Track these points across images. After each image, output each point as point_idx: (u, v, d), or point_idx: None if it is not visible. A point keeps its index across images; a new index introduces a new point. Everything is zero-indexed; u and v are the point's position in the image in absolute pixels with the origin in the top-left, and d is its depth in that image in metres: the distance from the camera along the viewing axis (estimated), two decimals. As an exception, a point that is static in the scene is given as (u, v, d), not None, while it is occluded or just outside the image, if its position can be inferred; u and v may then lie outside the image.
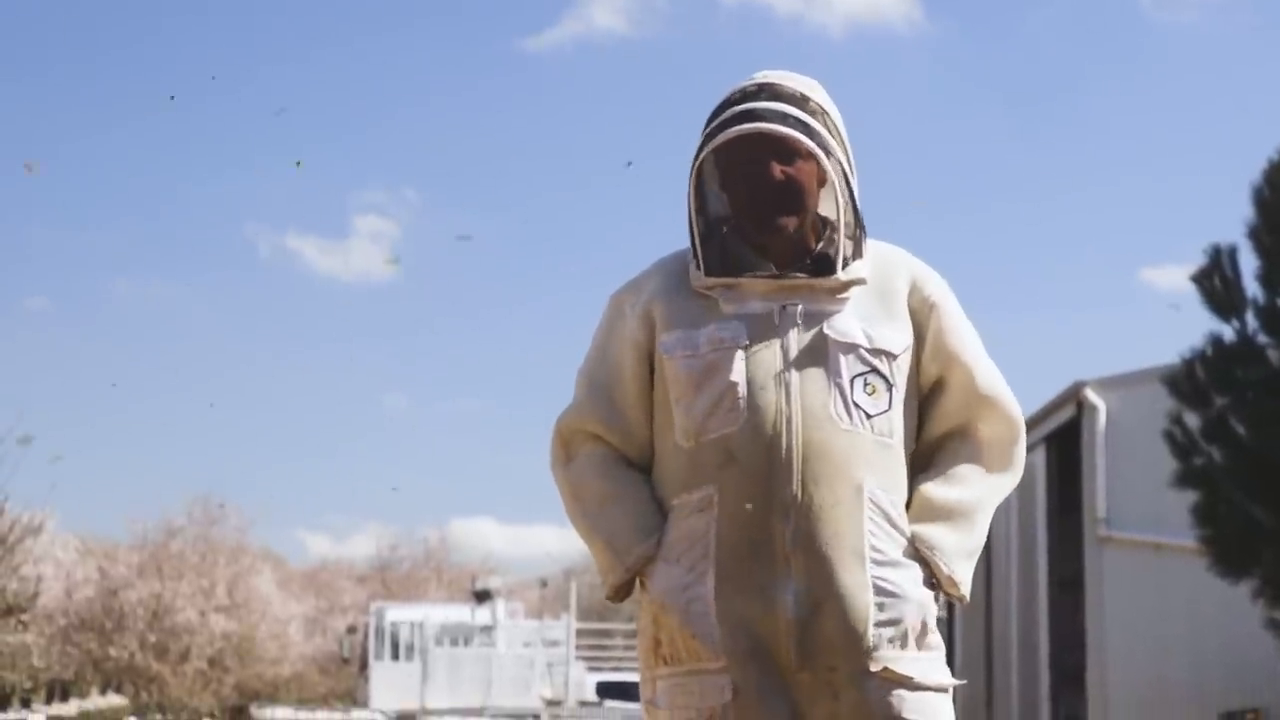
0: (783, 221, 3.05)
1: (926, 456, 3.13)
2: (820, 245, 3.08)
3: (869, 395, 3.01)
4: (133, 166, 59.77)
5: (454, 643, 27.31)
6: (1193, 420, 14.62)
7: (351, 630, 33.62)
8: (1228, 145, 54.45)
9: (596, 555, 3.13)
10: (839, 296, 3.06)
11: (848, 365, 3.01)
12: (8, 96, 54.38)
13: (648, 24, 64.32)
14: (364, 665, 29.74)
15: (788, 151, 3.03)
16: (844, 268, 3.05)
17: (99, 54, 60.77)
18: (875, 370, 3.03)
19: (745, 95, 3.06)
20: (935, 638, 3.03)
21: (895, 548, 2.99)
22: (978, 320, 3.20)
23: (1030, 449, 4.00)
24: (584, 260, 62.79)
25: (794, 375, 2.99)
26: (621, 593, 3.10)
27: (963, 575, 3.06)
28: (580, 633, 27.45)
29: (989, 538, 3.36)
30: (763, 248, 3.07)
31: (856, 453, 2.98)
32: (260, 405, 63.66)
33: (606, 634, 29.98)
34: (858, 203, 3.07)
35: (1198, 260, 14.86)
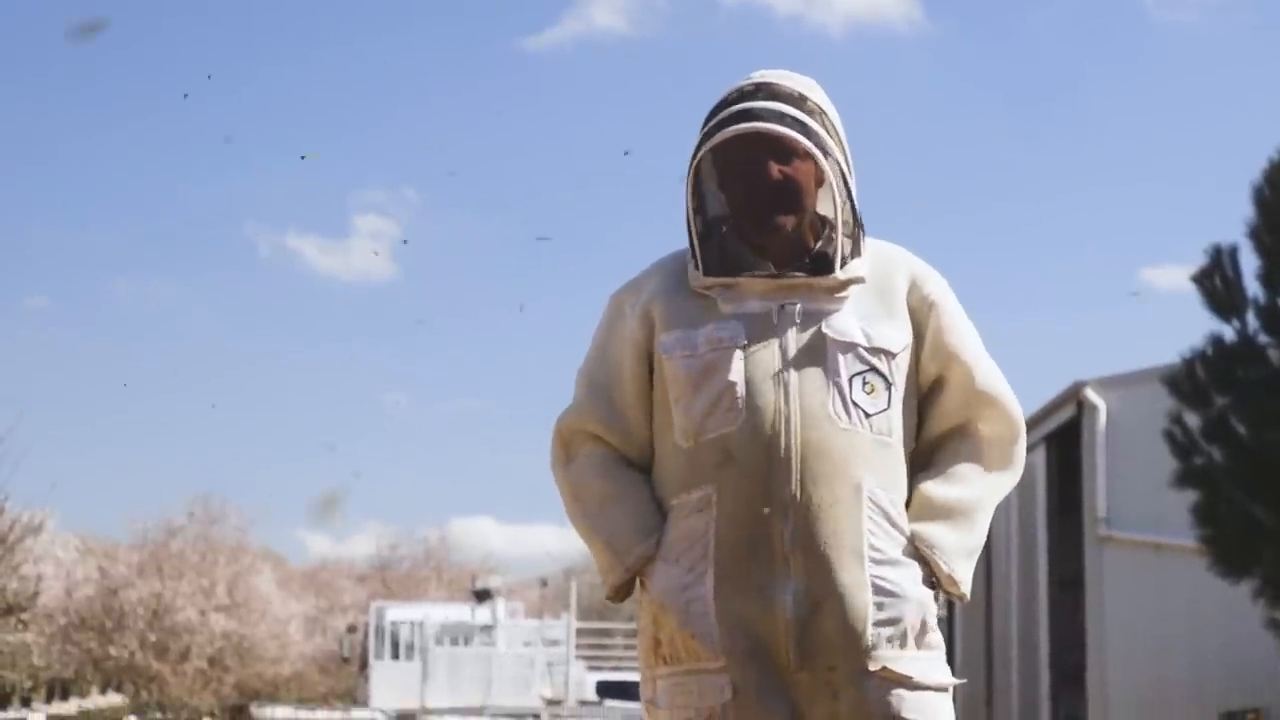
0: (781, 221, 3.05)
1: (926, 455, 3.12)
2: (819, 244, 3.08)
3: (868, 394, 3.01)
4: (133, 166, 59.81)
5: (454, 642, 27.30)
6: (1193, 420, 14.63)
7: (351, 630, 33.61)
8: (1228, 145, 54.48)
9: (596, 555, 3.13)
10: (837, 295, 3.05)
11: (846, 364, 3.01)
12: (8, 96, 54.40)
13: (648, 24, 64.36)
14: (364, 665, 29.73)
15: (785, 151, 3.03)
16: (842, 266, 3.05)
17: (99, 53, 60.81)
18: (874, 369, 3.03)
19: (742, 95, 3.06)
20: (935, 637, 3.03)
21: (894, 546, 2.99)
22: (978, 320, 3.20)
23: (1030, 449, 3.99)
24: (584, 260, 62.79)
25: (792, 375, 2.99)
26: (621, 593, 3.10)
27: (963, 574, 3.06)
28: (580, 632, 27.45)
29: (989, 537, 3.36)
30: (761, 247, 3.07)
31: (855, 452, 2.97)
32: (260, 405, 63.69)
33: (607, 633, 29.98)
34: (855, 202, 3.07)
35: (1198, 260, 14.89)
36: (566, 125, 64.21)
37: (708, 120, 3.07)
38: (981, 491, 3.10)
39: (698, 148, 3.06)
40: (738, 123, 3.01)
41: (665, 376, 3.08)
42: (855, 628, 2.93)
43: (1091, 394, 19.20)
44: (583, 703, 25.49)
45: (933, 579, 3.03)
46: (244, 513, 41.85)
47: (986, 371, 3.14)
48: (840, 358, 3.01)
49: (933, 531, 3.03)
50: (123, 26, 59.90)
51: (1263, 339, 14.56)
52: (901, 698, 2.94)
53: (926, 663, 2.99)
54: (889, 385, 3.04)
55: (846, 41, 61.39)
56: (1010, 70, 61.76)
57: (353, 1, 61.48)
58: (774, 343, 3.02)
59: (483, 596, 28.04)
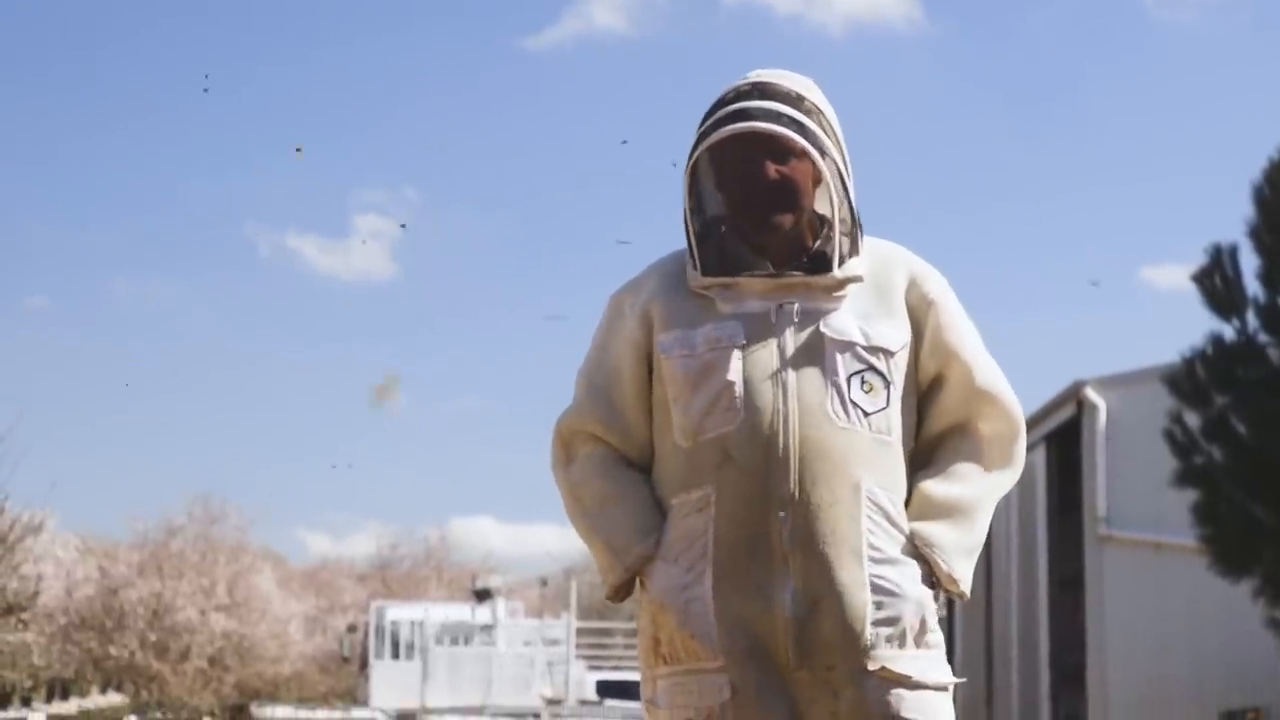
0: (778, 220, 3.05)
1: (926, 454, 3.12)
2: (817, 243, 3.08)
3: (866, 393, 3.01)
4: (133, 165, 59.84)
5: (454, 641, 27.28)
6: (1193, 419, 14.63)
7: (352, 629, 33.61)
8: (1228, 144, 54.49)
9: (596, 555, 3.13)
10: (836, 294, 3.05)
11: (844, 363, 3.01)
12: (8, 96, 54.40)
13: (648, 23, 64.38)
14: (364, 664, 29.73)
15: (782, 150, 3.03)
16: (840, 265, 3.05)
17: (99, 53, 60.79)
18: (872, 368, 3.02)
19: (739, 95, 3.06)
20: (935, 636, 3.03)
21: (894, 545, 2.99)
22: (978, 319, 3.19)
23: (1030, 448, 3.99)
24: (584, 259, 62.81)
25: (791, 374, 2.99)
26: (621, 593, 3.10)
27: (962, 572, 3.05)
28: (580, 631, 27.44)
29: (989, 536, 3.35)
30: (760, 247, 3.07)
31: (854, 451, 2.97)
32: (260, 404, 63.73)
33: (607, 633, 29.98)
34: (853, 200, 3.07)
35: (1198, 259, 14.90)
36: (566, 124, 64.26)
37: (704, 120, 3.07)
38: (981, 490, 3.09)
39: (694, 148, 3.06)
40: (734, 122, 3.01)
41: (664, 376, 3.08)
42: (854, 627, 2.93)
43: (1091, 393, 19.21)
44: (583, 702, 25.48)
45: (932, 578, 3.03)
46: (244, 512, 41.90)
47: (986, 369, 3.14)
48: (838, 357, 3.01)
49: (932, 530, 3.03)
50: (123, 26, 59.93)
51: (1263, 338, 14.57)
52: (901, 697, 2.94)
53: (926, 662, 2.99)
54: (888, 384, 3.04)
55: (846, 41, 61.45)
56: (1010, 70, 61.81)
57: (353, 1, 61.50)
58: (772, 342, 3.02)
59: (483, 596, 28.04)
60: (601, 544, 3.09)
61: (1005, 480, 3.15)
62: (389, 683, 27.69)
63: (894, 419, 3.04)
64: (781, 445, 2.95)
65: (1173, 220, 56.90)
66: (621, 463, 3.13)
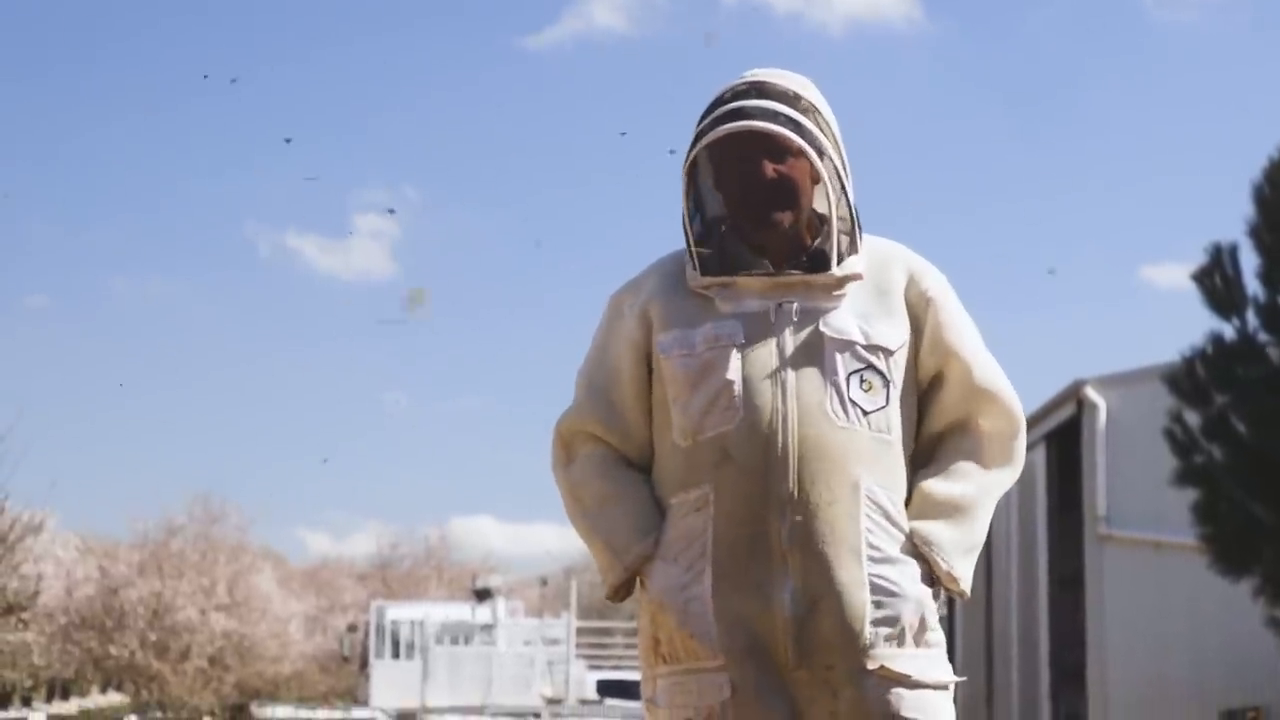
0: (777, 218, 3.05)
1: (927, 452, 3.12)
2: (816, 242, 3.08)
3: (865, 392, 3.01)
4: (132, 164, 59.84)
5: (454, 641, 27.28)
6: (1193, 418, 14.63)
7: (352, 628, 33.60)
8: (1228, 143, 54.50)
9: (596, 555, 3.13)
10: (835, 293, 3.05)
11: (844, 362, 3.01)
12: (8, 95, 54.39)
13: (648, 22, 64.39)
14: (364, 663, 29.72)
15: (779, 149, 3.03)
16: (839, 264, 3.05)
17: (98, 52, 60.79)
18: (872, 367, 3.02)
19: (736, 94, 3.06)
20: (935, 635, 3.02)
21: (893, 544, 2.99)
22: (978, 318, 3.19)
23: (1030, 447, 3.99)
24: (584, 258, 62.83)
25: (790, 373, 2.99)
26: (621, 592, 3.10)
27: (962, 571, 3.05)
28: (581, 631, 27.44)
29: (990, 535, 3.35)
30: (759, 246, 3.07)
31: (853, 450, 2.97)
32: (260, 403, 63.76)
33: (607, 632, 29.98)
34: (852, 199, 3.07)
35: (1198, 258, 14.90)
36: (566, 124, 64.26)
37: (702, 119, 3.07)
38: (981, 488, 3.09)
39: (691, 147, 3.06)
40: (731, 121, 3.01)
41: (663, 376, 3.08)
42: (853, 626, 2.92)
43: (1091, 392, 19.21)
44: (583, 701, 25.49)
45: (932, 577, 3.02)
46: (244, 512, 41.92)
47: (985, 367, 3.13)
48: (837, 356, 3.01)
49: (932, 529, 3.03)
50: (122, 25, 59.92)
51: (1263, 337, 14.57)
52: (900, 696, 2.94)
53: (925, 661, 2.99)
54: (887, 383, 3.03)
55: (846, 40, 61.47)
56: (1010, 69, 61.83)
57: (353, 1, 61.49)
58: (771, 341, 3.01)
59: (483, 595, 28.03)
60: (601, 544, 3.09)
61: (1005, 478, 3.14)
62: (389, 682, 27.69)
63: (893, 418, 3.04)
64: (780, 444, 2.95)
65: (1173, 219, 56.97)
66: (621, 463, 3.13)
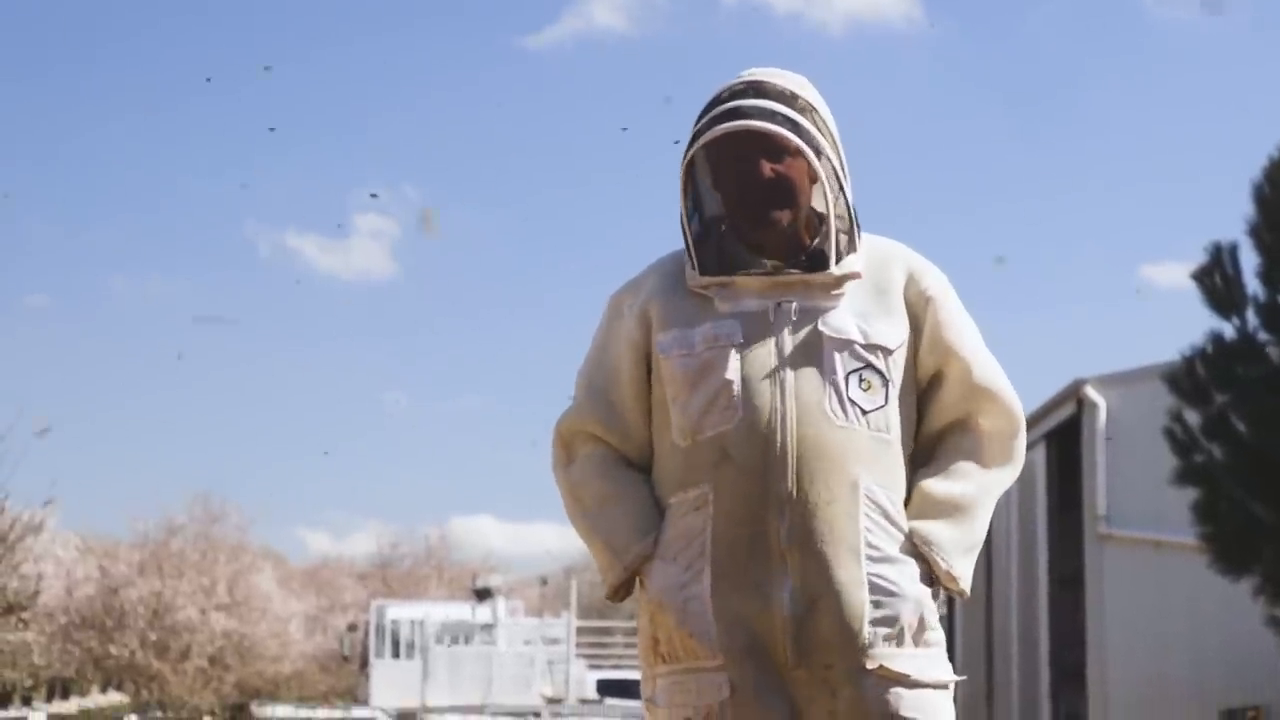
0: (775, 217, 3.05)
1: (926, 451, 3.12)
2: (815, 241, 3.08)
3: (864, 391, 3.01)
4: (132, 163, 59.84)
5: (454, 641, 27.28)
6: (1193, 418, 14.63)
7: (352, 628, 33.59)
8: (1228, 143, 54.49)
9: (595, 555, 3.13)
10: (834, 292, 3.05)
11: (842, 361, 3.01)
12: (8, 95, 54.41)
13: (648, 22, 64.40)
14: (364, 663, 29.72)
15: (776, 149, 3.03)
16: (838, 262, 3.04)
17: (98, 52, 60.80)
18: (870, 366, 3.02)
19: (733, 93, 3.06)
20: (934, 634, 3.02)
21: (892, 544, 2.99)
22: (978, 318, 3.19)
23: (1030, 446, 3.99)
24: (584, 257, 62.85)
25: (788, 372, 2.99)
26: (620, 592, 3.10)
27: (962, 570, 3.05)
28: (581, 630, 27.44)
29: (990, 534, 3.35)
30: (758, 245, 3.07)
31: (852, 449, 2.97)
32: (260, 403, 63.76)
33: (607, 632, 29.98)
34: (850, 198, 3.07)
35: (1198, 258, 14.89)
36: (566, 123, 64.27)
37: (699, 119, 3.07)
38: (981, 487, 3.09)
39: (688, 147, 3.06)
40: (728, 121, 3.01)
41: (663, 376, 3.08)
42: (851, 626, 2.92)
43: (1091, 392, 19.21)
44: (583, 701, 25.49)
45: (931, 576, 3.02)
46: (244, 511, 41.92)
47: (985, 366, 3.13)
48: (836, 355, 3.01)
49: (931, 528, 3.03)
50: (122, 25, 59.93)
51: (1263, 336, 14.56)
52: (900, 695, 2.94)
53: (925, 660, 2.99)
54: (886, 382, 3.03)
55: (846, 40, 61.49)
56: (1010, 68, 61.84)
57: (353, 1, 61.49)
58: (770, 341, 3.01)
59: (483, 595, 28.02)
60: (601, 544, 3.09)
61: (1005, 477, 3.14)
62: (389, 682, 27.68)
63: (892, 417, 3.04)
64: (779, 443, 2.95)
65: (1173, 218, 56.94)
66: (621, 463, 3.13)
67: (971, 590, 3.10)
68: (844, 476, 2.96)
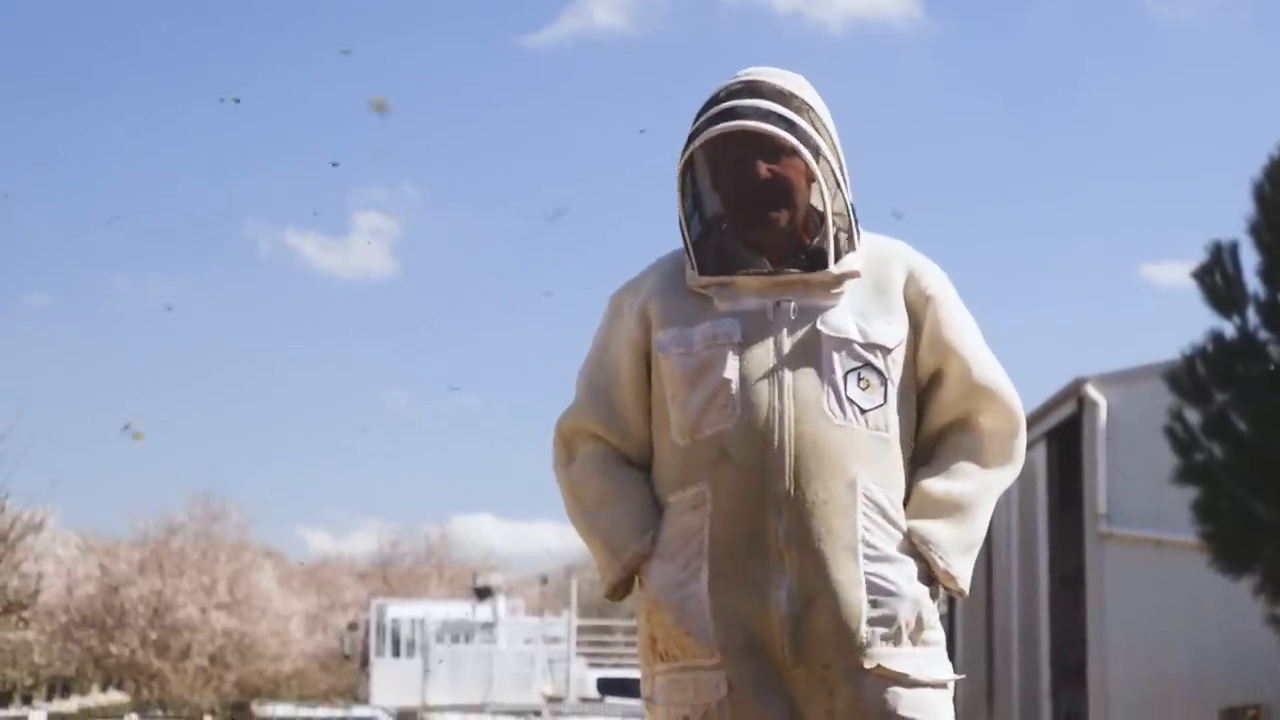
0: (773, 218, 3.05)
1: (927, 450, 3.11)
2: (814, 241, 3.07)
3: (863, 390, 3.01)
4: (133, 163, 59.83)
5: (455, 639, 27.29)
6: (1194, 416, 14.62)
7: (353, 627, 33.60)
8: (1228, 141, 54.49)
9: (595, 554, 3.13)
10: (833, 291, 3.05)
11: (841, 360, 3.01)
12: (8, 94, 54.41)
13: (648, 21, 64.39)
14: (365, 662, 29.72)
15: (773, 149, 3.02)
16: (837, 261, 3.04)
17: (99, 51, 60.80)
18: (869, 365, 3.02)
19: (730, 93, 3.06)
20: (933, 633, 3.02)
21: (890, 543, 2.98)
22: (978, 316, 3.18)
23: (1031, 445, 3.99)
24: (584, 257, 62.85)
25: (787, 371, 2.99)
26: (619, 591, 3.11)
27: (960, 570, 3.05)
28: (581, 629, 27.46)
29: (990, 532, 3.35)
30: (758, 245, 3.07)
31: (850, 448, 2.97)
32: (260, 402, 63.80)
33: (607, 630, 30.00)
34: (849, 197, 3.07)
35: (1198, 256, 14.89)
36: (567, 122, 64.27)
37: (696, 119, 3.07)
38: (980, 486, 3.09)
39: (685, 147, 3.06)
40: (724, 121, 3.01)
41: (662, 374, 3.08)
42: (849, 625, 2.92)
43: (1092, 390, 19.20)
44: (584, 700, 25.51)
45: (930, 575, 3.02)
46: (244, 510, 41.97)
47: (984, 364, 3.13)
48: (835, 354, 3.01)
49: (930, 527, 3.02)
50: (123, 25, 59.94)
51: (1263, 335, 14.56)
52: (898, 695, 2.94)
53: (923, 659, 2.98)
54: (885, 381, 3.03)
55: (846, 39, 61.48)
56: (1010, 67, 61.84)
57: (353, 1, 61.48)
58: (769, 340, 3.01)
59: (483, 594, 28.03)
60: (600, 542, 3.09)
61: (1005, 476, 3.14)
62: (390, 680, 27.67)
63: (891, 416, 3.03)
64: (777, 442, 2.95)
65: (1173, 217, 56.94)
66: (621, 461, 3.13)
67: (972, 589, 3.10)
68: (842, 475, 2.95)
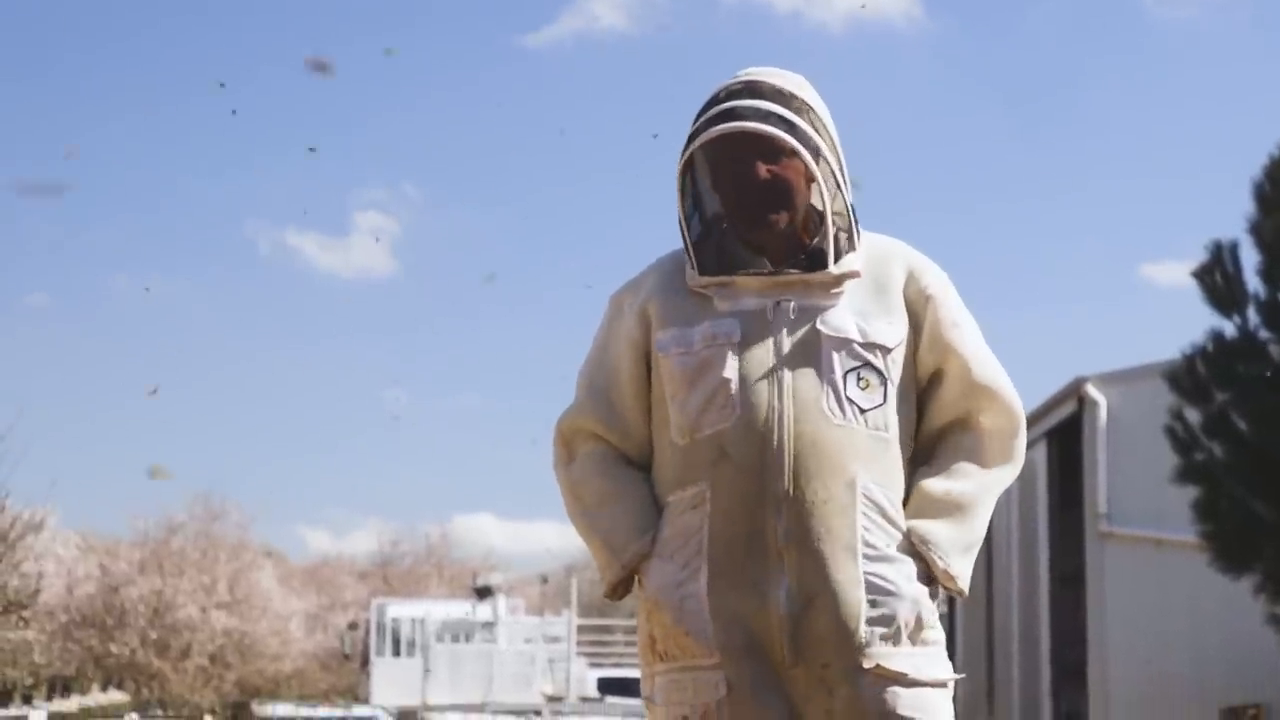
0: (772, 219, 3.05)
1: (927, 450, 3.11)
2: (814, 241, 3.07)
3: (862, 390, 3.01)
4: (133, 162, 59.83)
5: (455, 639, 27.29)
6: (1194, 416, 14.62)
7: (353, 626, 33.60)
8: (1228, 141, 54.49)
9: (595, 553, 3.13)
10: (833, 291, 3.05)
11: (840, 360, 3.00)
12: (8, 93, 54.41)
13: (648, 20, 64.37)
14: (365, 661, 29.72)
15: (772, 150, 3.02)
16: (837, 261, 3.04)
17: (99, 51, 60.80)
18: (869, 364, 3.02)
19: (730, 93, 3.06)
20: (932, 633, 3.02)
21: (889, 543, 2.98)
22: (978, 316, 3.18)
23: (1031, 444, 3.99)
24: (584, 256, 62.84)
25: (786, 371, 2.99)
26: (619, 590, 3.11)
27: (959, 569, 3.04)
28: (581, 629, 27.47)
29: (990, 531, 3.35)
30: (758, 246, 3.07)
31: (850, 447, 2.97)
32: (260, 401, 63.81)
33: (607, 630, 30.01)
34: (849, 197, 3.06)
35: (1199, 256, 14.89)
36: (566, 122, 64.25)
37: (696, 119, 3.07)
38: (981, 486, 3.08)
39: (685, 147, 3.06)
40: (723, 122, 3.01)
41: (662, 374, 3.08)
42: (848, 625, 2.92)
43: (1092, 390, 19.19)
44: (584, 699, 25.51)
45: (930, 575, 3.02)
46: (244, 509, 41.96)
47: (984, 364, 3.13)
48: (834, 354, 3.01)
49: (929, 527, 3.02)
50: (123, 24, 59.94)
51: (1263, 335, 14.56)
52: (897, 694, 2.94)
53: (923, 659, 2.98)
54: (884, 381, 3.03)
55: (846, 38, 61.46)
56: (1010, 67, 61.84)
57: (353, 0, 61.46)
58: (769, 340, 3.01)
59: (484, 593, 28.03)
60: (600, 542, 3.10)
61: (1005, 476, 3.14)
62: (390, 680, 27.67)
63: (891, 415, 3.03)
64: (776, 442, 2.95)
65: (1173, 217, 56.96)
66: (622, 461, 3.13)
67: (972, 588, 3.10)
68: (841, 475, 2.95)
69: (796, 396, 2.97)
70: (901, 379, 3.06)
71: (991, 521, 3.15)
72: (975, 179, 62.45)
